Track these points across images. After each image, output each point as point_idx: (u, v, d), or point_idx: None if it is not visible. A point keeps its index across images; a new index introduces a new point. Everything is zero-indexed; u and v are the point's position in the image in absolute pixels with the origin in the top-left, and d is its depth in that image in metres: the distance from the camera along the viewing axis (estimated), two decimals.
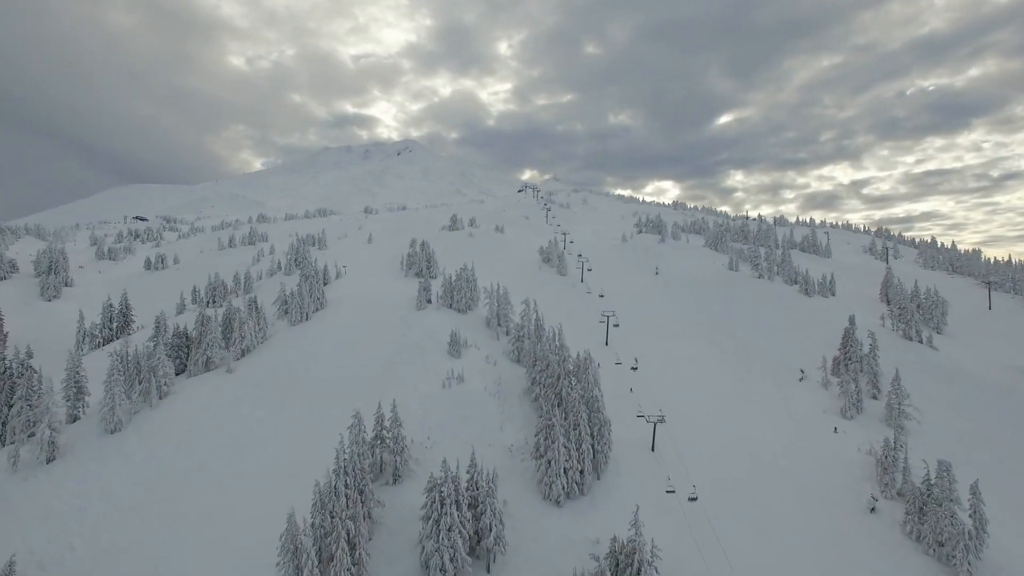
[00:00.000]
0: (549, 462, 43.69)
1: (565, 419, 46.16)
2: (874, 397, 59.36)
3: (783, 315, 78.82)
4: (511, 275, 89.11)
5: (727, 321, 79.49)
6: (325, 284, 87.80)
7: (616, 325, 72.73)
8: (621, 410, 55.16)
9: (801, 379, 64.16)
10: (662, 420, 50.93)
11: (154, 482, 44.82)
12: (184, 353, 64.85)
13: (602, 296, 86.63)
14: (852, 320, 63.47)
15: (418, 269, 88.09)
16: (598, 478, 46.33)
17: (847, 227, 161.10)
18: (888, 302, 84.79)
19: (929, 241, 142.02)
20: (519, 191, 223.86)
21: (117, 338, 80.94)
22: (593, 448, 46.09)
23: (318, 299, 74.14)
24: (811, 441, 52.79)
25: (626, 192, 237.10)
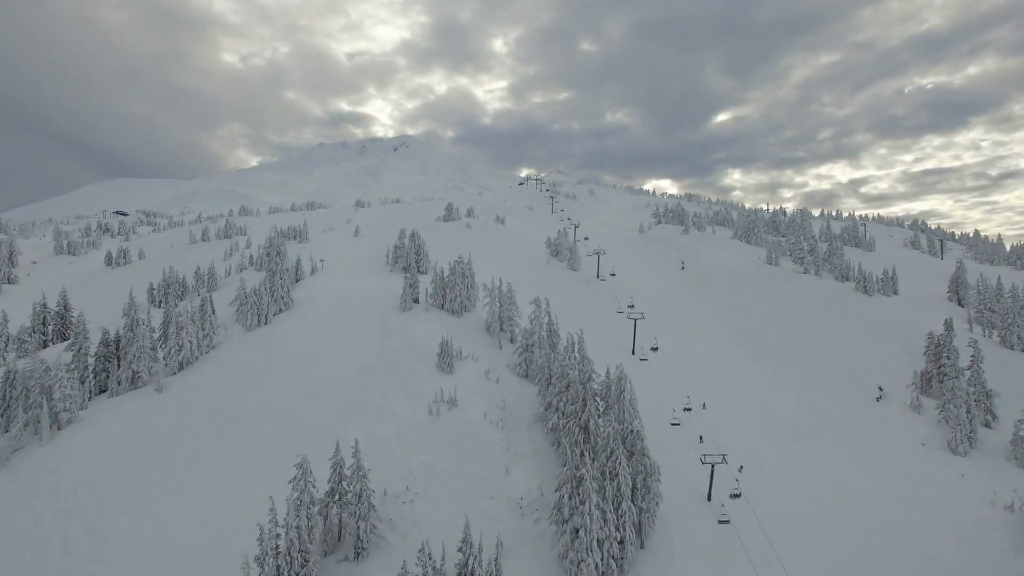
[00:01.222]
0: (576, 530, 30.79)
1: (594, 461, 33.40)
2: (987, 425, 46.52)
3: (842, 317, 65.89)
4: (515, 270, 76.26)
5: (771, 323, 66.66)
6: (297, 280, 75.04)
7: (641, 317, 59.89)
8: (661, 444, 42.39)
9: (879, 398, 51.33)
10: (723, 461, 38.06)
11: (19, 555, 31.83)
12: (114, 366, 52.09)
13: (613, 275, 73.55)
14: (949, 324, 50.53)
15: (405, 263, 74.98)
16: (642, 546, 33.49)
17: (878, 220, 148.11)
18: (960, 302, 72.00)
19: (972, 235, 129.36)
20: (519, 184, 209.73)
21: (55, 344, 67.89)
22: (637, 505, 33.23)
23: (282, 299, 61.14)
24: (916, 488, 39.96)
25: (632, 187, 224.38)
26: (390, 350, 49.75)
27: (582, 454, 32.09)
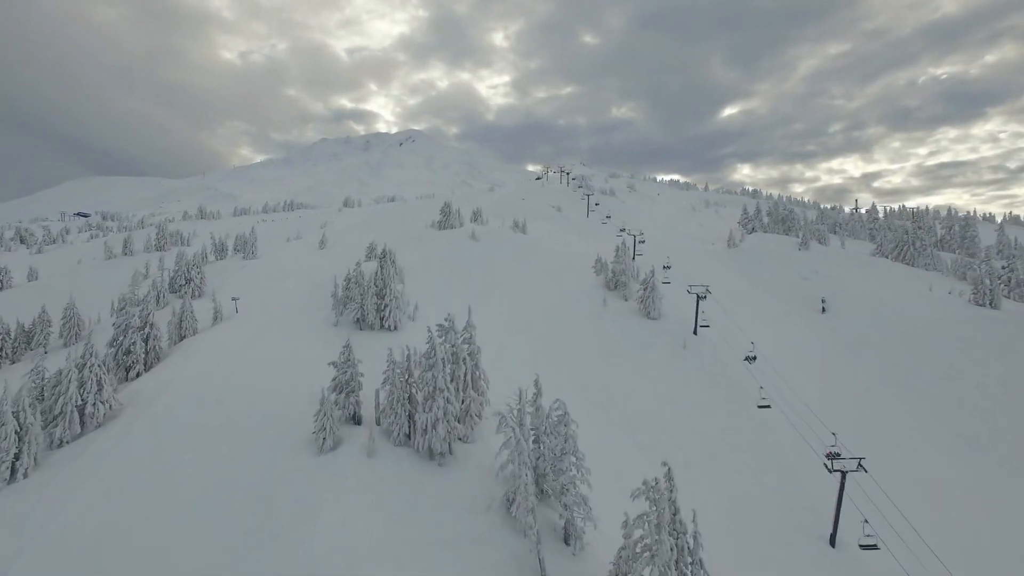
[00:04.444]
0: None
1: None
2: None
3: None
4: (552, 313, 44.37)
5: None
6: (181, 339, 43.85)
7: (859, 467, 26.83)
8: None
9: None
10: None
11: None
12: None
13: (752, 355, 40.53)
14: None
15: (359, 312, 42.54)
16: None
17: (988, 219, 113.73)
18: None
19: None
20: (537, 179, 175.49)
21: None
22: None
23: (83, 404, 29.53)
24: None
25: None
26: None
27: None
